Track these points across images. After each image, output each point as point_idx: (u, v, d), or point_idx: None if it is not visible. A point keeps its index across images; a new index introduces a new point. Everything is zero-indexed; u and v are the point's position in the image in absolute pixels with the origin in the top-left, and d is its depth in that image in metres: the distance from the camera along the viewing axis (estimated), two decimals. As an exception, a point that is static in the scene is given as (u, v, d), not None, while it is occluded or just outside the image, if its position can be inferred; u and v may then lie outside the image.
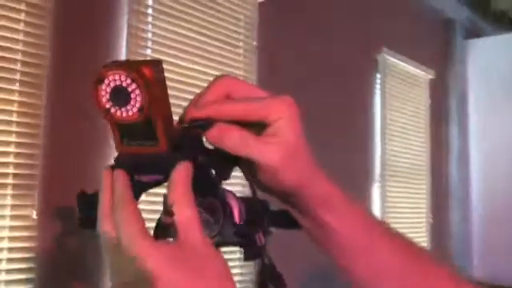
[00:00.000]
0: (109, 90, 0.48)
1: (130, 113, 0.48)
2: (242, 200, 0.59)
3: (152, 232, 0.51)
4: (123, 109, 0.48)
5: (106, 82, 0.48)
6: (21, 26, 2.29)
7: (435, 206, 5.17)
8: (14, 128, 2.26)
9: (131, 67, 0.48)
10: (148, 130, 0.50)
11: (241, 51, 3.33)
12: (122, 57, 2.65)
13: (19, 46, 2.28)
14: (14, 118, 2.26)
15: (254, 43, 3.39)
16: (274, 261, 0.60)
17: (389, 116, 4.57)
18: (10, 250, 2.24)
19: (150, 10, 2.83)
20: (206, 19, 3.09)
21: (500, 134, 5.34)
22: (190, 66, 2.97)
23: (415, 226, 4.94)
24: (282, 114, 0.59)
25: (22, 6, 2.30)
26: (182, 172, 0.51)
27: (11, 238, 2.24)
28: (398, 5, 4.85)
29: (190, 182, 0.52)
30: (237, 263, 3.05)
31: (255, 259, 0.57)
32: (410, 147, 4.86)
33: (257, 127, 0.58)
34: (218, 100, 0.58)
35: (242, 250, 0.56)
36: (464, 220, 5.38)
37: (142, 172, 0.52)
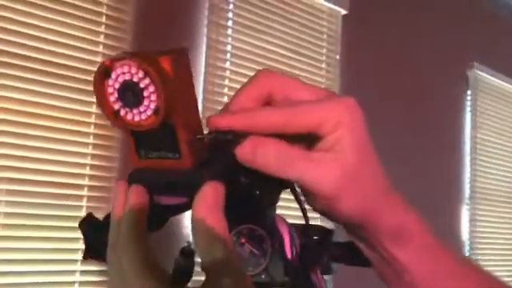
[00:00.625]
0: (117, 86, 0.38)
1: (144, 116, 0.37)
2: (296, 228, 0.47)
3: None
4: (135, 110, 0.37)
5: (114, 75, 0.38)
6: (101, 39, 2.29)
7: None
8: (91, 140, 2.25)
9: (145, 58, 0.37)
10: (168, 139, 0.39)
11: (323, 65, 3.22)
12: (201, 70, 2.61)
13: (98, 58, 2.28)
14: (92, 129, 2.25)
15: (337, 57, 3.27)
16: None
17: (480, 135, 4.30)
18: (84, 262, 2.22)
19: (229, 23, 2.78)
20: (287, 32, 3.00)
21: None
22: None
23: (508, 253, 4.62)
24: (340, 121, 0.44)
25: (103, 19, 2.30)
26: (209, 194, 0.38)
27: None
28: (490, 17, 4.58)
29: (221, 206, 0.39)
30: None
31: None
32: (505, 169, 4.55)
33: (306, 141, 0.44)
34: (254, 105, 0.44)
35: None
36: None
37: (162, 192, 0.41)
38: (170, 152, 0.39)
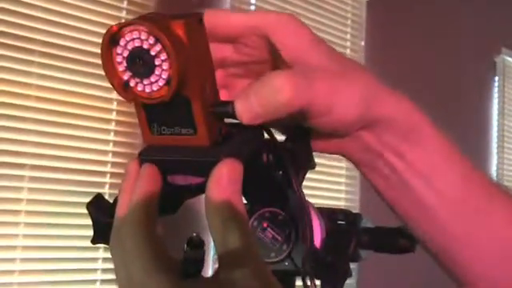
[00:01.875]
0: (126, 54, 0.34)
1: (155, 87, 0.33)
2: (321, 211, 0.44)
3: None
4: (145, 81, 0.34)
5: (123, 42, 0.34)
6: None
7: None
8: (112, 127, 2.24)
9: (156, 21, 0.33)
10: (182, 113, 0.35)
11: (348, 51, 3.17)
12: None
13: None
14: (113, 116, 2.25)
15: (362, 43, 3.22)
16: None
17: (507, 122, 4.22)
18: (107, 248, 2.21)
19: (252, 8, 2.74)
20: (312, 18, 2.96)
21: None
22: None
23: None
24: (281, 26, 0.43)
25: (124, 5, 2.28)
26: (224, 172, 0.35)
27: (106, 248, 2.21)
28: (520, 2, 4.48)
29: (238, 186, 0.35)
30: None
31: (338, 298, 0.41)
32: (531, 157, 4.47)
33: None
34: None
35: (319, 282, 0.42)
36: None
37: (176, 172, 0.37)
38: (184, 127, 0.36)
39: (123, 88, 0.35)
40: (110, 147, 2.24)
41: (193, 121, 0.35)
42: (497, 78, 4.18)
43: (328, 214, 0.45)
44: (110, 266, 2.18)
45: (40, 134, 2.07)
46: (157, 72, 0.33)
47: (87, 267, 2.19)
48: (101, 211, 0.40)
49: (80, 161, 2.16)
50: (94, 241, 0.41)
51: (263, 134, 0.39)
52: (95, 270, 2.20)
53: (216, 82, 0.37)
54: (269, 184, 0.40)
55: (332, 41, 3.06)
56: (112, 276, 2.17)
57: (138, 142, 2.29)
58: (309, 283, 0.36)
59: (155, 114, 0.36)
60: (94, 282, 2.19)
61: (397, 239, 0.47)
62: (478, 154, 4.02)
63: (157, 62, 0.33)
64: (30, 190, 2.05)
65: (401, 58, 3.46)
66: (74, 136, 2.14)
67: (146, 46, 0.33)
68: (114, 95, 2.23)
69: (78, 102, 2.15)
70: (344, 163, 3.08)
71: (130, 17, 2.28)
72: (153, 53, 0.33)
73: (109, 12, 2.24)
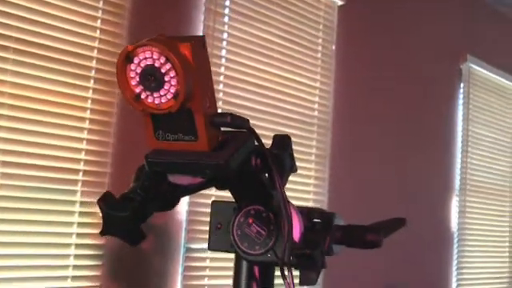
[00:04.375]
0: (139, 70, 0.39)
1: (164, 99, 0.39)
2: (301, 211, 0.49)
3: None
4: (155, 94, 0.39)
5: (136, 60, 0.39)
6: (98, 24, 2.29)
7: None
8: (86, 125, 2.25)
9: (166, 43, 0.38)
10: (186, 123, 0.40)
11: (319, 55, 3.23)
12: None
13: (95, 44, 2.28)
14: (87, 115, 2.26)
15: (333, 47, 3.28)
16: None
17: (472, 128, 4.34)
18: (78, 246, 2.23)
19: (226, 11, 2.78)
20: (283, 21, 3.02)
21: None
22: (266, 68, 2.90)
23: (496, 245, 4.67)
24: None
25: (100, 4, 2.30)
26: None
27: (79, 235, 2.24)
28: (485, 11, 4.60)
29: None
30: None
31: (313, 284, 0.46)
32: (495, 162, 4.60)
33: None
34: None
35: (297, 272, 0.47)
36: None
37: (177, 172, 0.42)
38: (186, 134, 0.40)
39: (134, 99, 0.39)
40: (84, 145, 2.25)
41: (195, 129, 0.40)
42: (462, 85, 4.29)
43: (306, 212, 0.50)
44: (82, 262, 2.20)
45: (13, 131, 2.07)
46: (166, 87, 0.38)
47: (59, 264, 2.20)
48: (109, 206, 0.44)
49: (53, 158, 2.17)
50: (103, 233, 0.44)
51: (254, 141, 0.43)
52: (67, 266, 2.21)
53: (215, 96, 0.42)
54: (255, 184, 0.45)
55: (304, 45, 3.12)
56: (83, 272, 2.20)
57: (111, 141, 2.31)
58: (287, 273, 0.41)
59: (161, 123, 0.41)
60: (65, 278, 2.21)
61: (366, 235, 0.52)
62: (443, 159, 4.12)
63: (166, 79, 0.38)
64: (1, 186, 2.06)
65: (370, 63, 3.54)
66: (48, 134, 2.15)
67: (157, 65, 0.38)
68: (90, 94, 2.25)
69: (52, 99, 2.16)
70: (313, 165, 3.14)
71: (106, 17, 2.30)
72: (163, 70, 0.38)
73: (85, 11, 2.26)
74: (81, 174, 2.24)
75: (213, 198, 2.05)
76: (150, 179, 0.44)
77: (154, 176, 0.43)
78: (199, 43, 0.40)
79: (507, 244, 4.75)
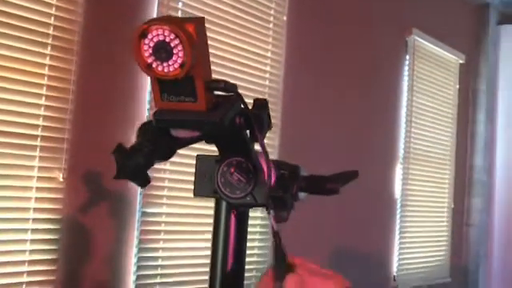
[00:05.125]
0: (152, 44, 0.48)
1: (172, 68, 0.48)
2: (274, 163, 0.60)
3: None
4: (165, 64, 0.48)
5: (150, 36, 0.48)
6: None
7: (458, 192, 5.13)
8: (43, 91, 2.28)
9: (175, 23, 0.48)
10: (188, 87, 0.50)
11: (271, 26, 3.31)
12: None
13: (52, 11, 2.30)
14: (45, 81, 2.29)
15: (284, 18, 3.37)
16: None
17: (416, 99, 4.52)
18: (36, 210, 2.28)
19: (179, 13, 2.82)
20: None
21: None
22: (218, 37, 2.96)
23: (436, 210, 4.93)
24: None
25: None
26: None
27: (38, 199, 2.28)
28: (431, -14, 4.77)
29: None
30: (257, 229, 3.12)
31: (285, 221, 0.57)
32: (435, 132, 4.82)
33: None
34: None
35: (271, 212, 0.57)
36: (486, 209, 5.34)
37: (180, 127, 0.53)
38: (187, 97, 0.51)
39: (147, 67, 0.48)
40: (42, 111, 2.28)
41: (195, 92, 0.50)
42: (408, 57, 4.46)
43: (276, 164, 0.60)
44: (40, 226, 2.24)
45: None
46: (174, 58, 0.48)
47: (17, 227, 2.25)
48: (123, 155, 0.53)
49: (11, 124, 2.20)
50: (117, 177, 0.53)
51: (240, 103, 0.53)
52: (26, 229, 2.26)
53: (210, 66, 0.51)
54: (238, 139, 0.55)
55: (255, 15, 3.19)
56: (41, 236, 2.24)
57: (69, 107, 2.35)
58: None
59: (167, 87, 0.51)
60: (24, 241, 2.25)
61: (326, 184, 0.63)
62: (388, 128, 4.30)
63: (174, 51, 0.48)
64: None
65: (321, 35, 3.65)
66: (5, 99, 2.17)
67: (167, 40, 0.48)
68: (47, 60, 2.28)
69: (9, 65, 2.18)
70: (265, 133, 3.24)
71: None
72: (172, 45, 0.48)
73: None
74: (39, 139, 2.28)
75: (168, 165, 2.14)
76: (155, 133, 0.53)
77: (159, 131, 0.53)
78: (201, 23, 0.49)
79: (446, 210, 5.01)
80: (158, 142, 0.53)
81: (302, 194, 0.60)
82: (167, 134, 0.53)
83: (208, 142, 0.56)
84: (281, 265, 0.52)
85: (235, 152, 0.58)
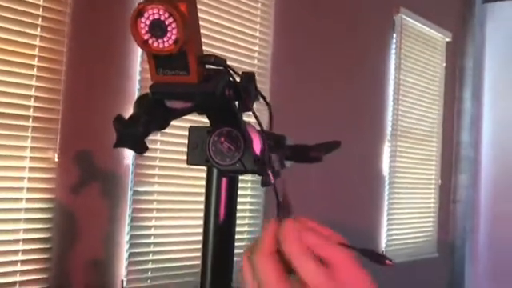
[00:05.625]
0: (148, 22, 0.53)
1: (166, 44, 0.53)
2: (260, 133, 0.65)
3: None
4: (160, 40, 0.53)
5: (146, 15, 0.53)
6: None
7: (445, 168, 5.21)
8: (35, 72, 2.31)
9: (169, 2, 0.52)
10: (181, 62, 0.55)
11: (259, 5, 3.34)
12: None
13: (41, -8, 2.32)
14: (36, 62, 2.31)
15: (272, 11, 3.39)
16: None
17: (403, 77, 4.57)
18: (29, 190, 2.32)
19: None
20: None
21: (514, 100, 5.34)
22: (206, 17, 2.98)
23: (424, 187, 5.00)
24: None
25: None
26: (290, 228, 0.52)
27: (31, 179, 2.32)
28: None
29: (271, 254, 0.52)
30: (248, 192, 3.19)
31: (270, 185, 0.62)
32: (422, 109, 4.88)
33: None
34: None
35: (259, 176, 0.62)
36: (472, 185, 5.43)
37: (174, 98, 0.57)
38: (181, 70, 0.56)
39: (144, 43, 0.53)
40: (33, 92, 2.31)
41: (188, 66, 0.55)
42: (395, 35, 4.50)
43: (263, 134, 0.65)
44: (33, 205, 2.27)
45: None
46: (168, 35, 0.52)
47: (11, 207, 2.29)
48: (123, 125, 0.57)
49: (2, 105, 2.22)
50: (117, 145, 0.58)
51: (229, 76, 0.58)
52: (19, 209, 2.30)
53: (201, 42, 0.56)
54: (228, 110, 0.59)
55: (244, -5, 3.21)
56: (35, 215, 2.28)
57: (60, 88, 2.38)
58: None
59: (162, 62, 0.55)
60: (18, 220, 2.29)
61: (310, 152, 0.68)
62: (376, 106, 4.35)
63: (169, 29, 0.52)
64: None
65: (309, 14, 3.68)
66: (-3, 80, 2.20)
67: (162, 18, 0.52)
68: (37, 41, 2.30)
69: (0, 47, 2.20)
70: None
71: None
72: (167, 23, 0.52)
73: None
74: (30, 120, 2.31)
75: (158, 145, 2.17)
76: (151, 105, 0.58)
77: (155, 102, 0.57)
78: (192, 3, 0.53)
79: (433, 186, 5.09)
80: (154, 112, 0.58)
81: (287, 162, 0.65)
82: (162, 105, 0.58)
83: (200, 113, 0.61)
84: (284, 212, 0.56)
85: (225, 123, 0.62)
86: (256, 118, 0.61)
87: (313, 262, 0.51)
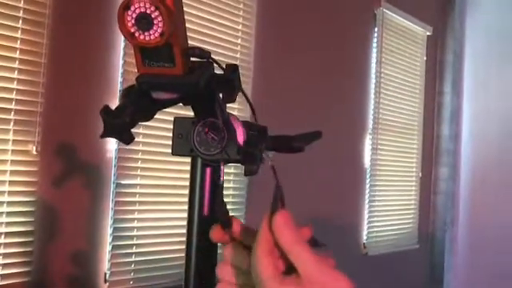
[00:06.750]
0: (134, 15, 0.54)
1: (153, 37, 0.54)
2: (244, 124, 0.66)
3: None
4: (146, 33, 0.54)
5: (133, 8, 0.54)
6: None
7: (425, 161, 5.27)
8: (16, 65, 2.30)
9: None
10: (167, 54, 0.56)
11: (241, 6, 3.34)
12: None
13: (22, -16, 2.31)
14: (17, 55, 2.30)
15: (255, 5, 3.40)
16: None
17: (384, 70, 4.61)
18: (11, 183, 2.31)
19: None
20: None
21: (494, 94, 5.40)
22: (189, 10, 2.98)
23: (405, 179, 5.06)
24: None
25: None
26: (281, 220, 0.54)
27: (12, 172, 2.31)
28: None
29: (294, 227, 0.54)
30: (231, 184, 3.20)
31: (253, 175, 0.63)
32: (403, 103, 4.92)
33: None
34: None
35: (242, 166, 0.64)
36: (452, 177, 5.49)
37: (160, 89, 0.59)
38: (167, 62, 0.57)
39: (130, 36, 0.54)
40: (15, 85, 2.30)
41: (173, 58, 0.56)
42: (376, 29, 4.54)
43: (247, 125, 0.67)
44: (15, 199, 2.27)
45: None
46: (154, 28, 0.53)
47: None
48: (108, 115, 0.58)
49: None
50: (103, 135, 0.59)
51: (212, 68, 0.59)
52: (2, 202, 2.29)
53: (187, 34, 0.57)
54: (212, 101, 0.61)
55: (227, -12, 3.22)
56: (16, 209, 2.28)
57: (40, 81, 2.37)
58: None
59: (148, 54, 0.57)
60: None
61: (292, 143, 0.69)
62: (357, 99, 4.38)
63: (155, 22, 0.53)
64: None
65: (291, 7, 3.69)
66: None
67: (148, 12, 0.53)
68: (19, 34, 2.29)
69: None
70: (236, 104, 3.30)
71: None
72: (153, 16, 0.53)
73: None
74: (12, 113, 2.30)
75: (141, 137, 2.18)
76: (138, 96, 0.59)
77: (141, 93, 0.59)
78: None
79: (414, 179, 5.14)
80: (141, 103, 0.59)
81: (270, 153, 0.67)
82: (148, 96, 0.59)
83: (185, 104, 0.62)
84: (277, 203, 0.58)
85: (209, 114, 0.64)
86: (249, 104, 0.62)
87: (307, 250, 0.53)
